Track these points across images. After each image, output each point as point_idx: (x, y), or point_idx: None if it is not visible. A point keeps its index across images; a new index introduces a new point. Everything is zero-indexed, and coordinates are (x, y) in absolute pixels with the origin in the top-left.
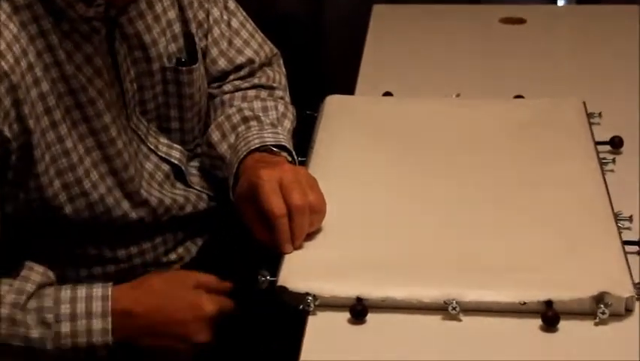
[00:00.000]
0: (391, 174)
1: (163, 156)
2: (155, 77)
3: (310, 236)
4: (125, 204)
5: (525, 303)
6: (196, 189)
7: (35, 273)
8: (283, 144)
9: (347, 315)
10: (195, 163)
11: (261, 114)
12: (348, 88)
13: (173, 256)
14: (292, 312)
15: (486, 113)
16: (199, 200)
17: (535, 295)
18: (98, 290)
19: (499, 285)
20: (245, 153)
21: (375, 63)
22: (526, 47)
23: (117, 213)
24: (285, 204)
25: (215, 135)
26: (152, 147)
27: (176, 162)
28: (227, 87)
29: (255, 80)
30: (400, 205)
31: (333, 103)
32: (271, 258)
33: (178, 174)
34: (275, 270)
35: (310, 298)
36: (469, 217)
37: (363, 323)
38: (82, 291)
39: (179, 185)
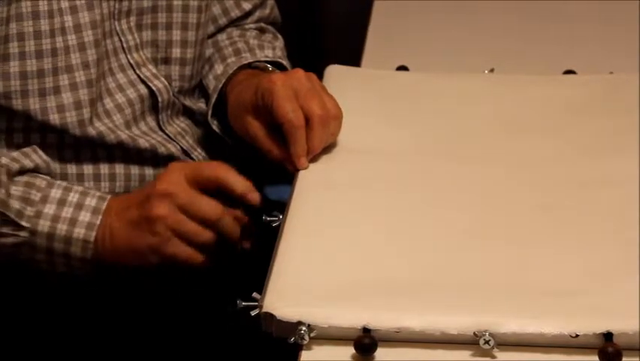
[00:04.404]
0: (406, 167)
1: (142, 76)
2: None
3: (304, 250)
4: (92, 131)
5: (578, 335)
6: (169, 137)
7: (38, 156)
8: (280, 61)
9: (351, 350)
10: (181, 122)
11: (256, 49)
12: (352, 61)
13: None
14: (281, 346)
15: (527, 92)
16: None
17: (591, 325)
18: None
19: (544, 312)
20: (235, 68)
21: (385, 31)
22: (578, 11)
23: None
24: (303, 114)
25: (203, 68)
26: (132, 63)
27: (154, 88)
28: (221, 36)
29: (253, 26)
30: (417, 209)
31: (335, 75)
32: (255, 268)
33: (152, 107)
34: (259, 288)
35: (304, 328)
36: (505, 225)
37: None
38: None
39: (149, 120)
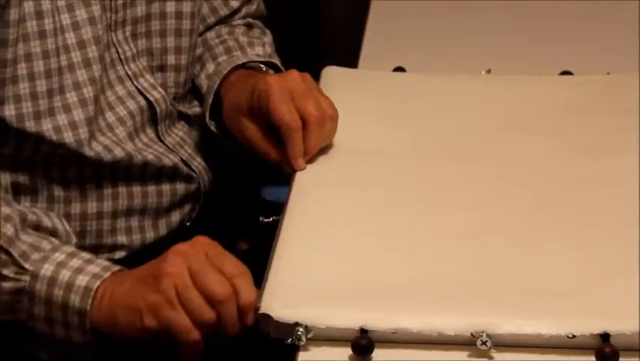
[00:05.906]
0: (403, 168)
1: (140, 88)
2: None
3: (302, 251)
4: (97, 146)
5: (575, 336)
6: (169, 148)
7: (60, 222)
8: (273, 61)
9: (348, 351)
10: (179, 131)
11: (247, 47)
12: (348, 63)
13: (121, 239)
14: (279, 347)
15: (524, 93)
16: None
17: (588, 326)
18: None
19: (541, 313)
20: (229, 68)
21: (382, 32)
22: (575, 12)
23: (84, 152)
24: (299, 115)
25: (194, 68)
26: (130, 74)
27: (152, 99)
28: (210, 34)
29: (240, 22)
30: (414, 210)
31: (332, 76)
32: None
33: (151, 119)
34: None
35: (301, 329)
36: (503, 226)
37: None
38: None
39: (149, 132)
